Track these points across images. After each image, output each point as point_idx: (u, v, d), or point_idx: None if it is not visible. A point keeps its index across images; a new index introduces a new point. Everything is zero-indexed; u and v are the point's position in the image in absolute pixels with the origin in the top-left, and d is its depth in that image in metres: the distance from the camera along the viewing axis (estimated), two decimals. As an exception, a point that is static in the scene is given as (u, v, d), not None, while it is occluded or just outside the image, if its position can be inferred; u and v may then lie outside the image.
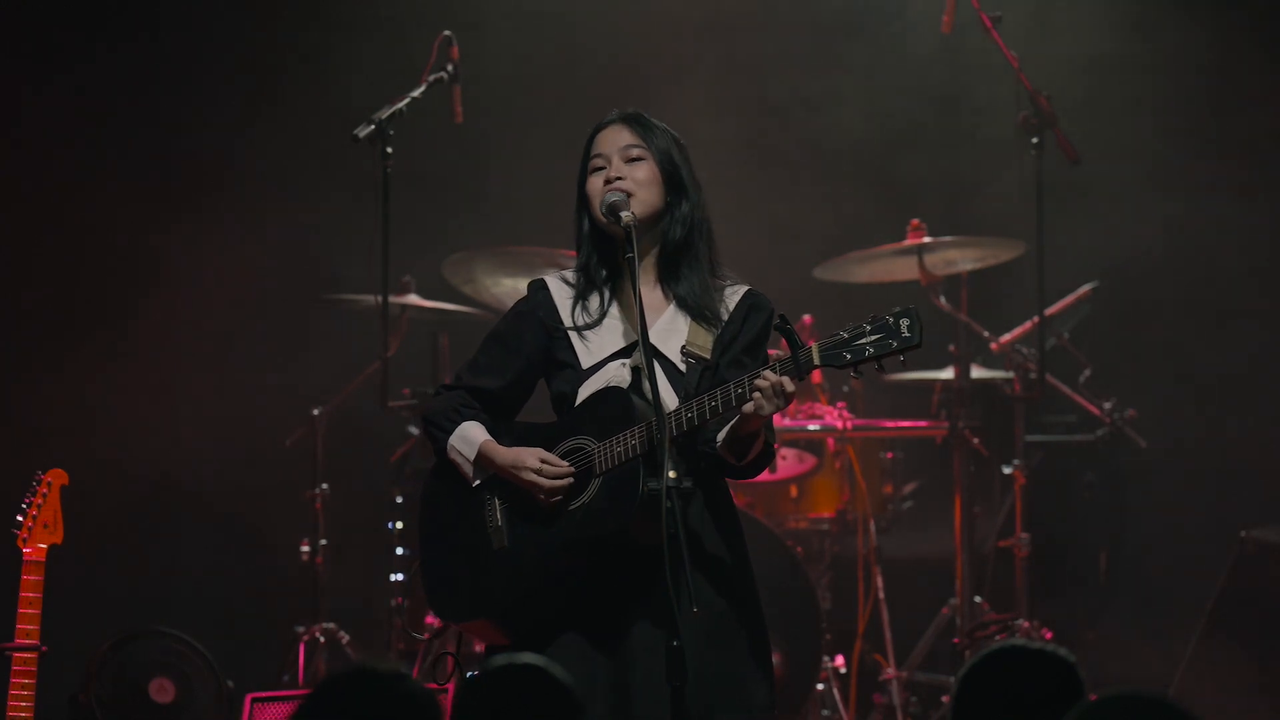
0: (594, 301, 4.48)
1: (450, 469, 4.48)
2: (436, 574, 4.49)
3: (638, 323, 4.40)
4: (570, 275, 4.54)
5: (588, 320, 4.46)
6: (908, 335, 4.20)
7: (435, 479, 4.55)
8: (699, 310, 4.44)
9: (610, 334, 4.46)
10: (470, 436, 4.43)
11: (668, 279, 4.48)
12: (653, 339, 4.41)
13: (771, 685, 4.42)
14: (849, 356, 4.22)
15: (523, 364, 4.50)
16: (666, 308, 4.46)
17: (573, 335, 4.46)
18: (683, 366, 4.38)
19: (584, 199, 4.51)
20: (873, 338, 4.21)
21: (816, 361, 4.22)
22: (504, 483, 4.40)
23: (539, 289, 4.54)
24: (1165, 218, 8.54)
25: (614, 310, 4.48)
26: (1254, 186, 8.52)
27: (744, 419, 4.25)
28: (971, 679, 3.17)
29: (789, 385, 4.20)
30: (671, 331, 4.42)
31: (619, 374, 4.41)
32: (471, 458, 4.42)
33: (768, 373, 4.20)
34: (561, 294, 4.51)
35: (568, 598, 4.33)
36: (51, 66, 8.37)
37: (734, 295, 4.51)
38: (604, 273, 4.50)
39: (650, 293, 4.48)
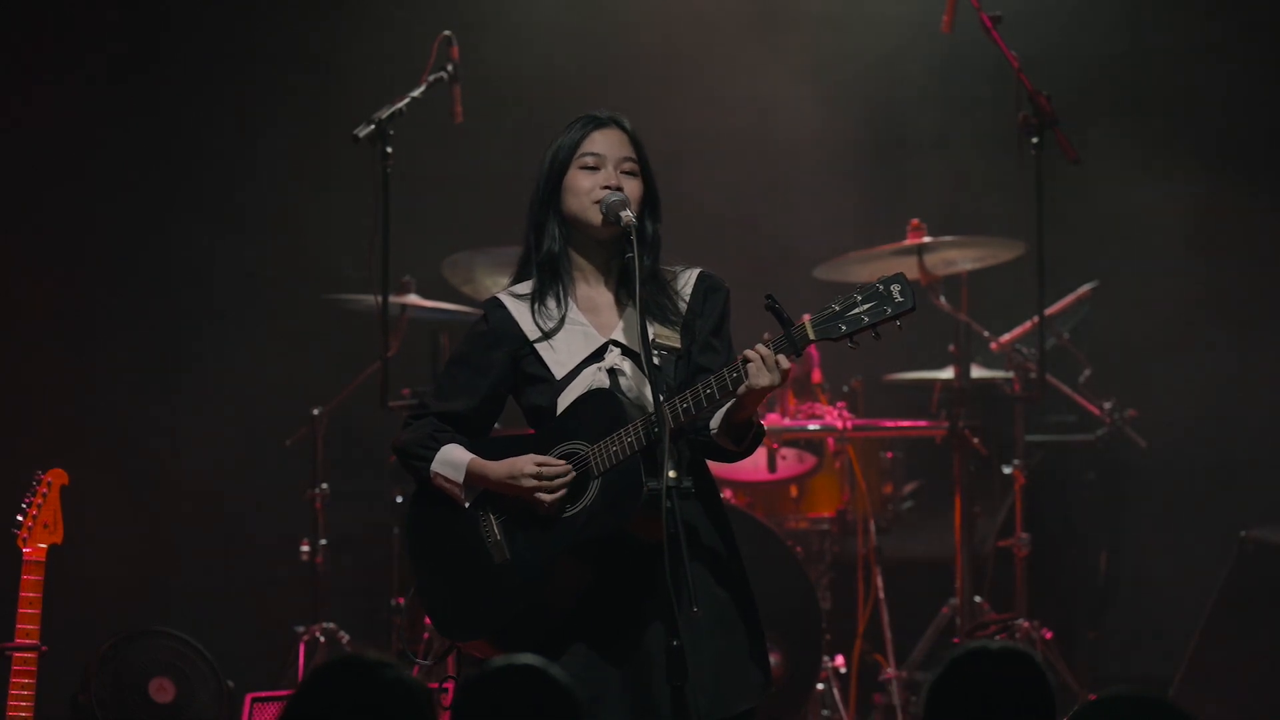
0: (551, 304, 4.45)
1: (434, 495, 4.44)
2: (440, 598, 4.45)
3: (602, 323, 4.43)
4: (520, 288, 4.50)
5: (550, 325, 4.43)
6: (901, 300, 4.19)
7: (419, 507, 4.51)
8: (659, 306, 4.42)
9: (576, 340, 4.43)
10: (454, 459, 4.40)
11: (625, 281, 4.46)
12: (621, 338, 4.42)
13: (767, 667, 4.43)
14: (844, 328, 4.20)
15: (491, 383, 4.46)
16: (627, 306, 4.44)
17: (540, 348, 4.43)
18: (657, 360, 4.33)
19: (554, 191, 4.48)
20: (865, 306, 4.19)
21: (811, 336, 4.21)
22: (496, 497, 4.37)
23: (496, 308, 4.49)
24: (1166, 218, 8.55)
25: (573, 314, 4.45)
26: (1256, 186, 8.53)
27: (739, 404, 4.24)
28: (941, 687, 3.17)
29: (784, 363, 4.19)
30: (638, 329, 4.38)
31: (597, 379, 4.39)
32: (460, 479, 4.39)
33: (760, 347, 4.19)
34: (518, 309, 4.47)
35: (575, 605, 4.32)
36: (52, 65, 8.38)
37: (687, 281, 4.49)
38: (557, 270, 4.46)
39: (606, 293, 4.48)
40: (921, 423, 7.86)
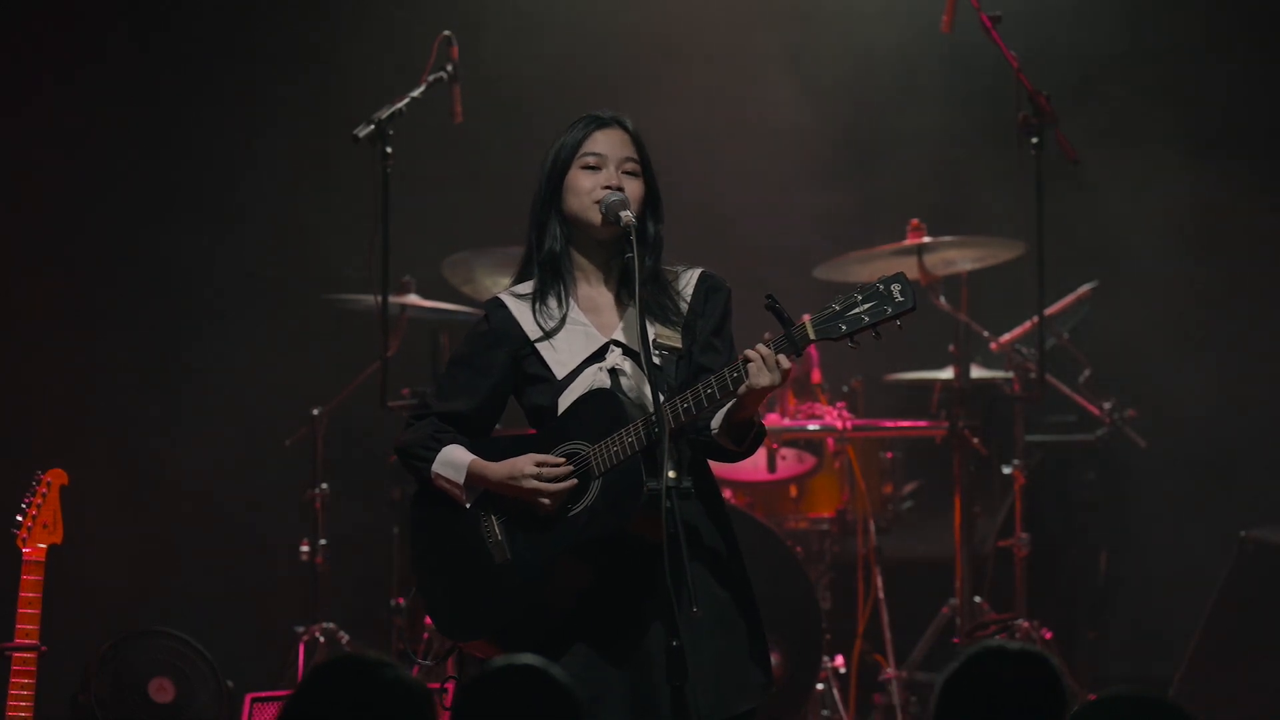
0: (553, 303, 4.45)
1: (436, 496, 4.45)
2: (441, 598, 4.46)
3: (603, 323, 4.43)
4: (521, 288, 4.50)
5: (551, 324, 4.43)
6: (901, 299, 4.18)
7: (421, 508, 4.51)
8: (660, 306, 4.42)
9: (577, 339, 4.43)
10: (455, 460, 4.40)
11: (625, 281, 4.46)
12: (622, 338, 4.42)
13: (768, 667, 4.43)
14: (845, 328, 4.20)
15: (493, 383, 4.46)
16: (628, 306, 4.44)
17: (541, 347, 4.43)
18: (658, 360, 4.34)
19: (556, 190, 4.48)
20: (866, 306, 4.19)
21: (812, 336, 4.21)
22: (497, 498, 4.38)
23: (497, 307, 4.49)
24: (1166, 218, 8.55)
25: (574, 314, 4.45)
26: (1256, 186, 8.53)
27: (740, 404, 4.24)
28: (954, 683, 3.17)
29: (785, 363, 4.19)
30: (638, 329, 4.38)
31: (598, 379, 4.39)
32: (461, 480, 4.39)
33: (760, 346, 4.19)
34: (519, 309, 4.47)
35: (576, 605, 4.32)
36: (54, 66, 8.37)
37: (689, 281, 4.49)
38: (559, 270, 4.46)
39: (607, 293, 4.48)
40: (921, 423, 7.86)
